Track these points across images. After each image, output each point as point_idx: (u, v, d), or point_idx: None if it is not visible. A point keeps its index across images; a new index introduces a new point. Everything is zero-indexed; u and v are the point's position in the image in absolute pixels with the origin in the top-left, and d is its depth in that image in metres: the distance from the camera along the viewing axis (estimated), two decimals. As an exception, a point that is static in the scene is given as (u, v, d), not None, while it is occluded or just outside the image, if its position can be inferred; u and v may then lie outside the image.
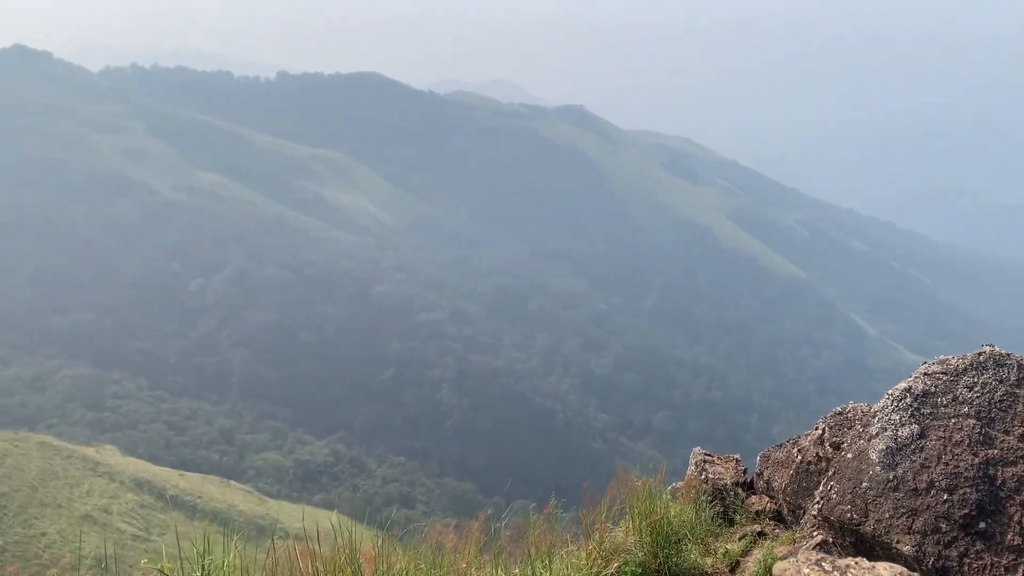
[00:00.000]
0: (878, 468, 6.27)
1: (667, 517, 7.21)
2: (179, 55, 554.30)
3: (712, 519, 8.26)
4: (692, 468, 9.27)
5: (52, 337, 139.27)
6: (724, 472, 9.23)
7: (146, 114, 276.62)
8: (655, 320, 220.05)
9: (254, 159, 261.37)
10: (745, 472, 9.29)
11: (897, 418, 6.50)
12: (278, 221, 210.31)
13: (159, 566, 5.09)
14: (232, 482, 78.18)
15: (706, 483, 8.89)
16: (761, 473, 8.81)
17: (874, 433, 6.54)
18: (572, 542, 6.91)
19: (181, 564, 5.10)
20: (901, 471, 6.17)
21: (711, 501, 8.59)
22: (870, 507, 6.15)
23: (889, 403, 6.68)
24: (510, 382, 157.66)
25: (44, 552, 49.83)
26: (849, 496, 6.32)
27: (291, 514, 68.19)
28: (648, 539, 7.02)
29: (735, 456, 9.69)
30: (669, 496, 8.11)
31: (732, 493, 8.80)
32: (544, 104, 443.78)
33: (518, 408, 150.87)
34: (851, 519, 6.22)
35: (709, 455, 9.50)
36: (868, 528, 6.10)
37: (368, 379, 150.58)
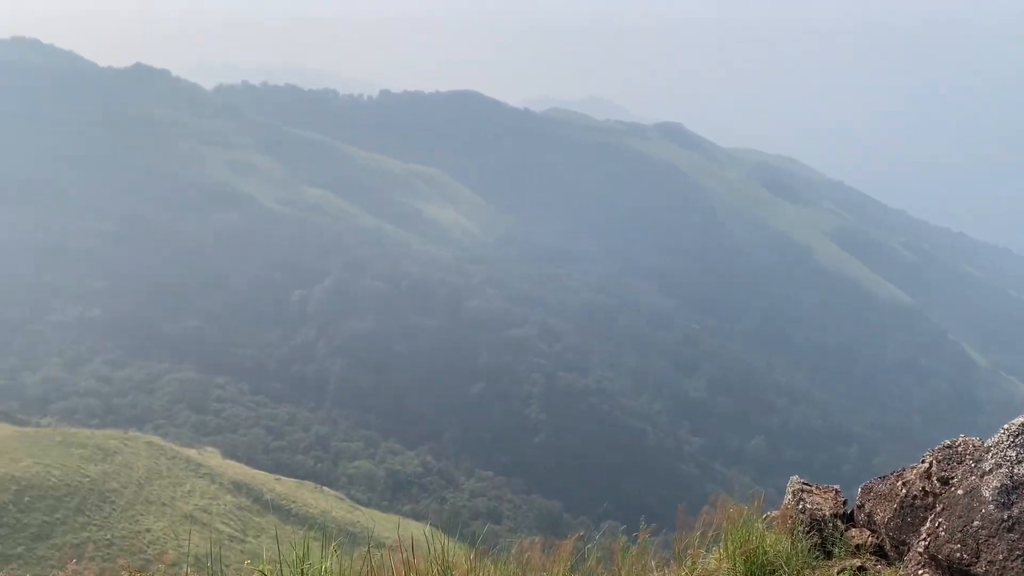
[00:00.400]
0: (992, 507, 5.95)
1: (762, 546, 7.03)
2: (288, 73, 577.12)
3: (809, 551, 7.99)
4: (789, 497, 8.99)
5: (162, 342, 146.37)
6: (823, 503, 8.92)
7: (255, 130, 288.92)
8: (751, 343, 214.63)
9: (356, 174, 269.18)
10: (845, 504, 8.96)
11: (1014, 454, 6.15)
12: (376, 234, 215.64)
13: (260, 567, 5.27)
14: (326, 488, 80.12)
15: (803, 513, 8.61)
16: (862, 505, 8.47)
17: (987, 469, 6.21)
18: (663, 567, 6.81)
19: (281, 568, 5.25)
20: (1017, 511, 5.83)
21: (808, 532, 8.32)
22: (982, 547, 5.84)
23: (1005, 438, 6.33)
24: (598, 401, 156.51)
25: (148, 548, 52.14)
26: (959, 535, 6.02)
27: (381, 523, 69.32)
28: (742, 568, 6.86)
29: (834, 487, 9.36)
30: (764, 525, 7.90)
31: (831, 525, 8.49)
32: (641, 121, 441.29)
33: (606, 428, 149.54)
34: (961, 559, 5.92)
35: (807, 484, 9.20)
36: (979, 570, 5.79)
37: (458, 392, 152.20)
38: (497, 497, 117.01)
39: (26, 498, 52.38)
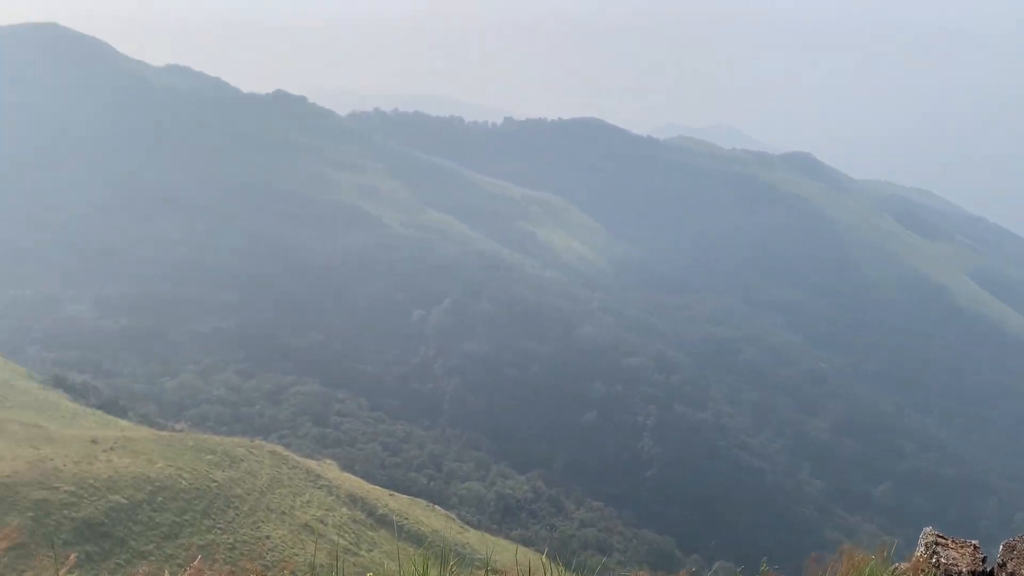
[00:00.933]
0: None
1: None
2: (417, 101, 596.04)
3: (943, 609, 7.42)
4: (921, 550, 8.39)
5: (289, 355, 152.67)
6: (959, 558, 8.28)
7: (384, 155, 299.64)
8: (880, 384, 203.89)
9: (477, 199, 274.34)
10: (984, 561, 8.28)
11: None
12: (494, 258, 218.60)
13: (381, 580, 5.32)
14: (437, 507, 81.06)
15: (937, 568, 8.01)
16: (1004, 564, 7.80)
17: None
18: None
19: (400, 582, 5.29)
20: None
21: (941, 589, 7.73)
22: None
23: None
24: (715, 436, 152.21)
25: (267, 554, 54.08)
26: None
27: (490, 546, 69.45)
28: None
29: (972, 542, 8.68)
30: (893, 578, 7.39)
31: (967, 583, 7.87)
32: (768, 150, 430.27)
33: (722, 464, 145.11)
34: None
35: (942, 537, 8.56)
36: None
37: (570, 419, 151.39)
38: (607, 528, 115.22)
39: (159, 498, 55.44)
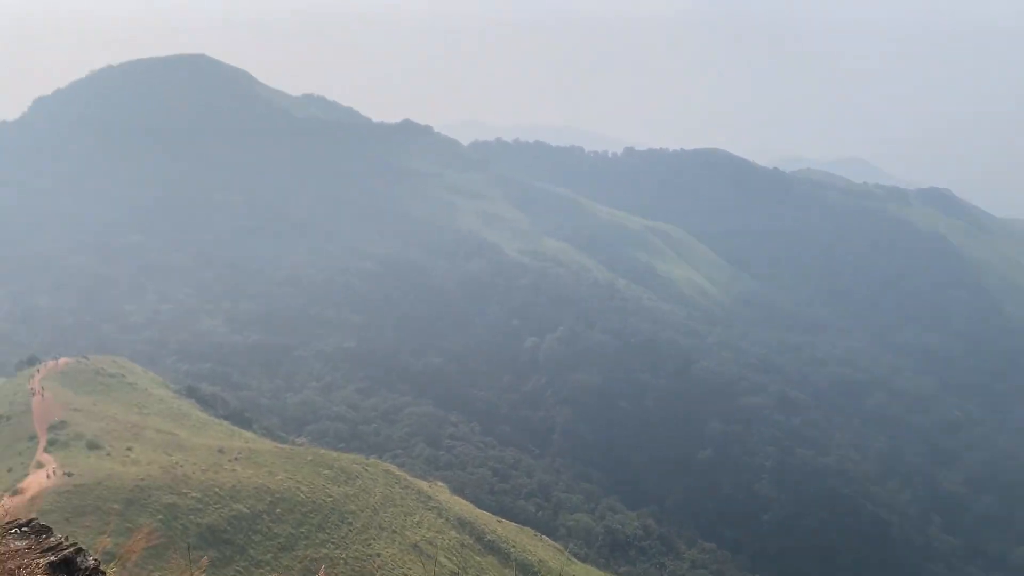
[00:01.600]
0: None
1: None
2: (539, 131, 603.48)
3: None
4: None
5: (406, 376, 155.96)
6: None
7: (504, 183, 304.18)
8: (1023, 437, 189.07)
9: (594, 228, 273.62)
10: None
11: None
12: (610, 288, 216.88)
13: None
14: (544, 537, 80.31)
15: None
16: None
17: None
18: None
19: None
20: None
21: None
22: None
23: None
24: (839, 483, 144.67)
25: (376, 572, 54.77)
26: None
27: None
28: None
29: None
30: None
31: None
32: (902, 185, 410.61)
33: (846, 513, 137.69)
34: None
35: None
36: None
37: (683, 456, 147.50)
38: (719, 572, 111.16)
39: (278, 509, 57.27)
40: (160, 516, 51.55)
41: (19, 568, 6.20)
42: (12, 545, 6.31)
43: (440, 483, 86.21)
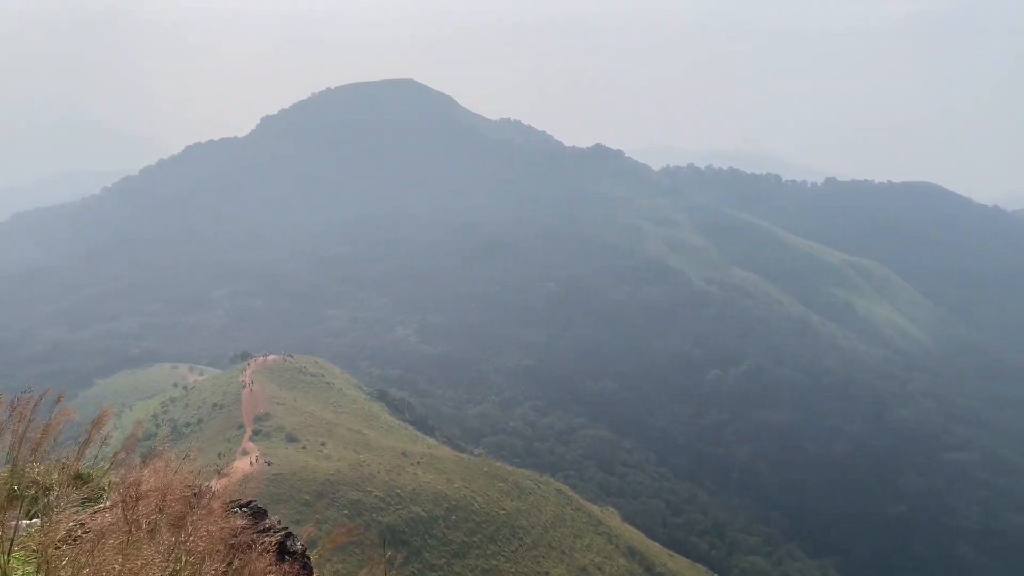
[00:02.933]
0: None
1: None
2: (734, 157, 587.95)
3: None
4: None
5: (583, 398, 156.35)
6: None
7: (694, 210, 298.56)
8: None
9: (787, 260, 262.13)
10: None
11: None
12: (802, 323, 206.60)
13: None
14: (716, 576, 77.62)
15: None
16: None
17: None
18: None
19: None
20: None
21: None
22: None
23: None
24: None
25: (545, 589, 55.19)
26: None
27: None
28: None
29: None
30: None
31: None
32: None
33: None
34: None
35: None
36: None
37: (874, 507, 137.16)
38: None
39: (453, 516, 59.20)
40: (345, 511, 54.84)
41: (252, 543, 6.99)
42: (235, 523, 7.12)
43: (611, 509, 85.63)
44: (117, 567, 5.16)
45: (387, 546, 50.21)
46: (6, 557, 5.81)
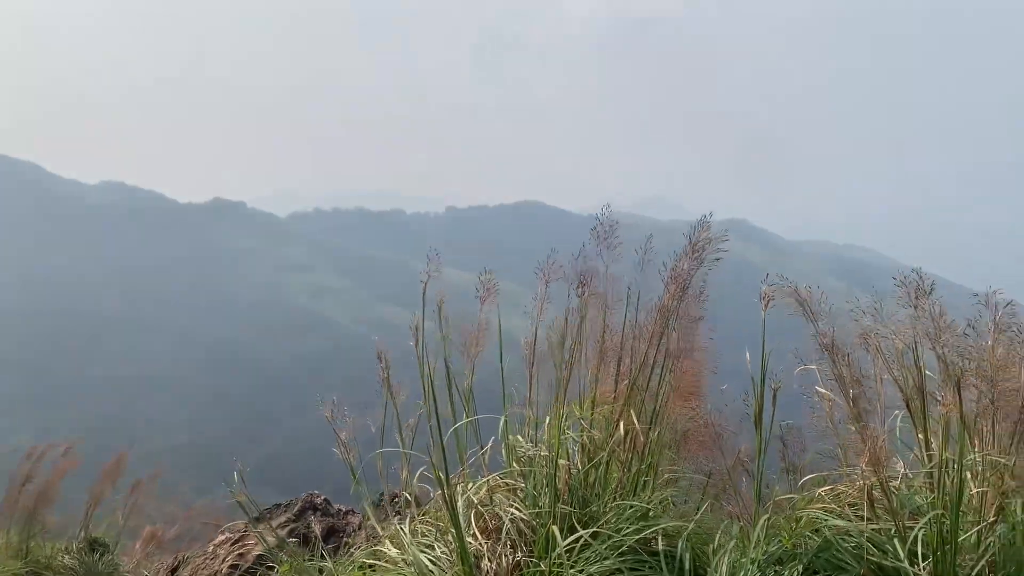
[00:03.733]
0: None
1: None
2: (355, 196, 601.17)
3: None
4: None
5: (250, 463, 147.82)
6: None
7: (329, 254, 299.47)
8: None
9: (427, 289, 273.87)
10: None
11: None
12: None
13: None
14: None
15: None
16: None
17: None
18: None
19: None
20: None
21: None
22: None
23: None
24: None
25: None
26: None
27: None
28: None
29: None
30: None
31: None
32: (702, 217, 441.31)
33: None
34: None
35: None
36: None
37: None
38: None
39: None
40: None
41: None
42: None
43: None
44: None
45: None
46: None
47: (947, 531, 2.85)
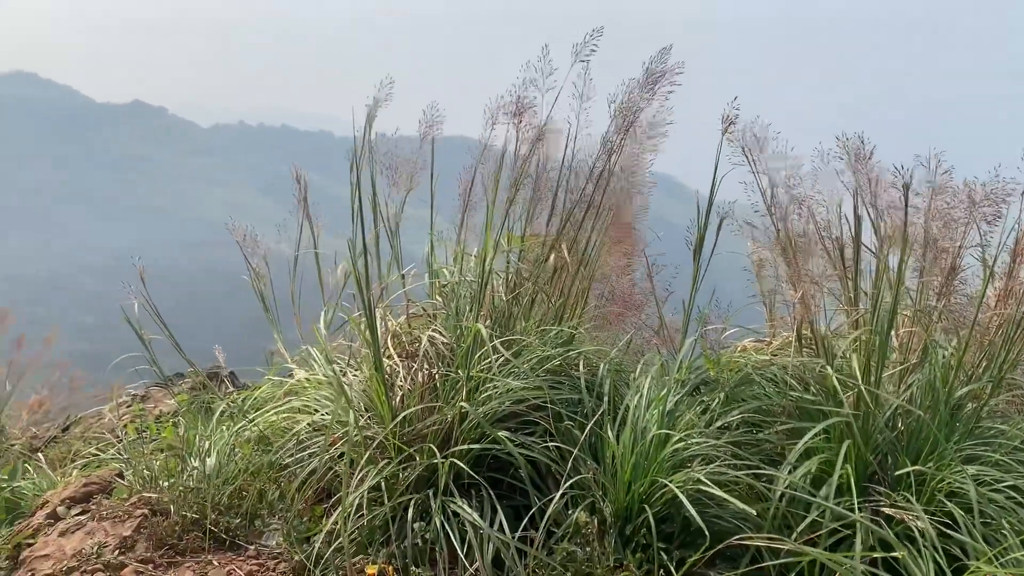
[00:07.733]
0: None
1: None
2: (282, 114, 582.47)
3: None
4: None
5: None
6: None
7: (249, 169, 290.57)
8: None
9: (341, 212, 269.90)
10: None
11: None
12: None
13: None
14: None
15: None
16: None
17: None
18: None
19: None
20: None
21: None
22: None
23: None
24: None
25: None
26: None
27: None
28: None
29: None
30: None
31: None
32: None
33: None
34: None
35: None
36: None
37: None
38: None
39: None
40: None
41: None
42: None
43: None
44: None
45: None
46: None
47: (874, 363, 2.86)
